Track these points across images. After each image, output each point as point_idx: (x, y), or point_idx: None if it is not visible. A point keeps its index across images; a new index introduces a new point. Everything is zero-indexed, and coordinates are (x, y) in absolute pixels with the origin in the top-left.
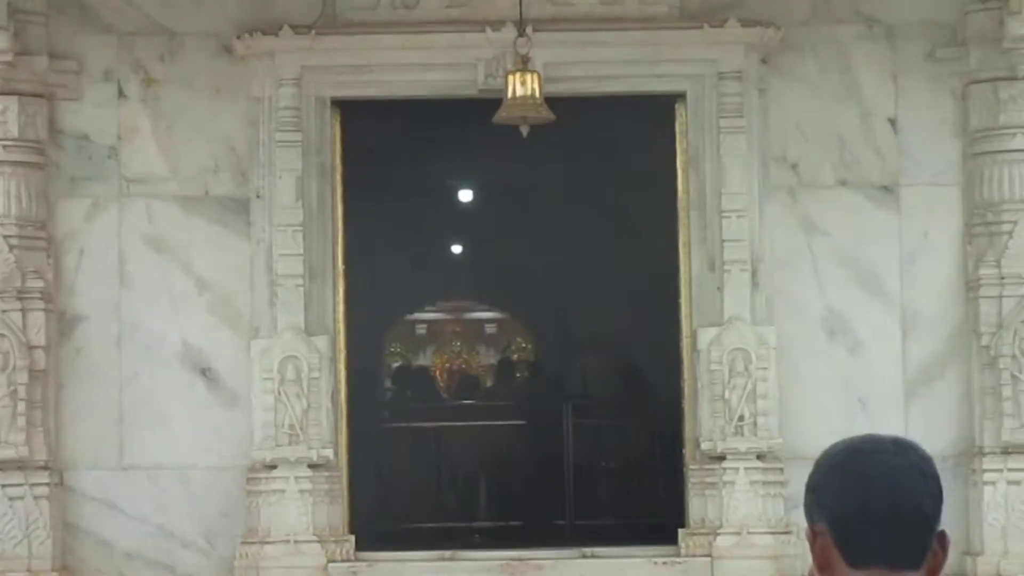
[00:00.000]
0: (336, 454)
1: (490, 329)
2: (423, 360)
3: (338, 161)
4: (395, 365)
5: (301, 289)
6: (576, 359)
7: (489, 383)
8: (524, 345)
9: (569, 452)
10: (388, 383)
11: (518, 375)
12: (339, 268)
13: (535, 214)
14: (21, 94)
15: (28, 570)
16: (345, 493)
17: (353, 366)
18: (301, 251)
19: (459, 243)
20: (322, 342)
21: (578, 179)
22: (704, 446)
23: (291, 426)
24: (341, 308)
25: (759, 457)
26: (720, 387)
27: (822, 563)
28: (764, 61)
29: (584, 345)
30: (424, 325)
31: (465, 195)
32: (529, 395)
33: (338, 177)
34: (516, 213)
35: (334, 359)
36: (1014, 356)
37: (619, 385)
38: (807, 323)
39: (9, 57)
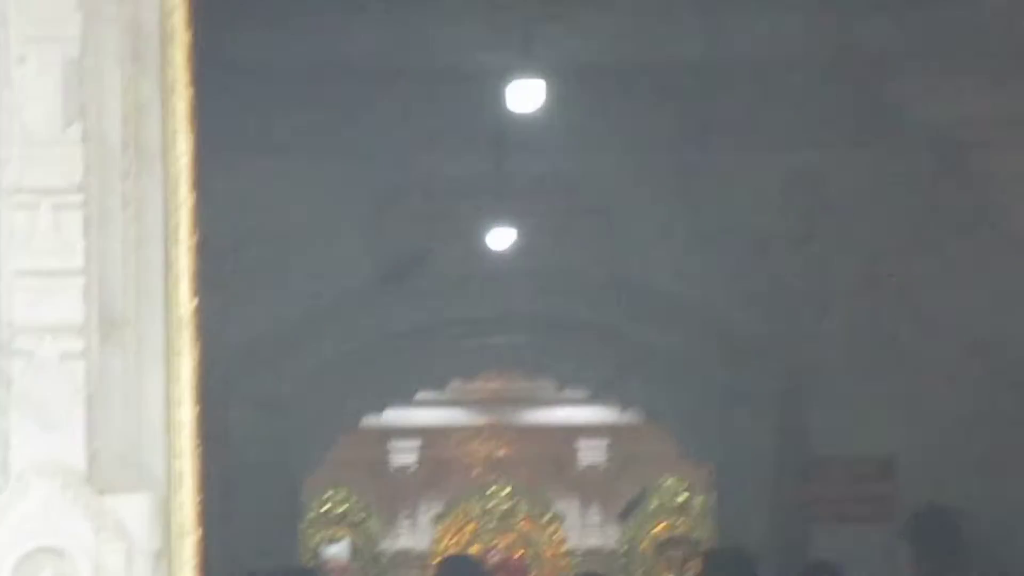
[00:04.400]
0: None
1: (590, 454)
2: (410, 539)
3: None
4: (331, 550)
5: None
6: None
7: None
8: (683, 494)
9: None
10: None
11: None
12: (182, 234)
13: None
14: None
15: None
16: None
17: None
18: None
19: (509, 221)
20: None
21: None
22: None
23: None
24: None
25: None
26: None
27: None
28: None
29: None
30: (414, 445)
31: (519, 86)
32: None
33: None
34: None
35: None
36: None
37: None
38: None
39: None
